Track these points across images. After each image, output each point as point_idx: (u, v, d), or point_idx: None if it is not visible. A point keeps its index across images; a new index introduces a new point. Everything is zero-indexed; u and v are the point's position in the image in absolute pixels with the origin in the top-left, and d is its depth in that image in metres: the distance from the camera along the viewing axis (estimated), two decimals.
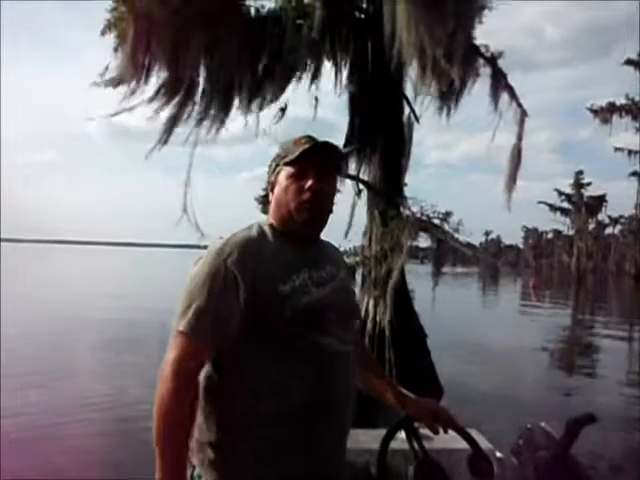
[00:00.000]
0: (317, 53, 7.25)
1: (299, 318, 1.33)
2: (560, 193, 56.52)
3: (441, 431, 1.65)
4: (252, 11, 7.74)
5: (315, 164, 1.44)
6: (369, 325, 7.93)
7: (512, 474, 1.73)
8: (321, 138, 1.47)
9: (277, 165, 1.48)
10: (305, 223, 1.44)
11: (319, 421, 1.36)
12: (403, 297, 8.04)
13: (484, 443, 1.90)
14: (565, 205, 56.91)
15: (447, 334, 11.87)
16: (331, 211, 1.53)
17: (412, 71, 7.34)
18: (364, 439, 1.96)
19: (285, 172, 1.45)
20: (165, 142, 7.13)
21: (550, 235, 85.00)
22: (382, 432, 1.70)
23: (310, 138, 1.48)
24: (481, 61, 8.51)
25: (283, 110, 7.63)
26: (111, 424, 6.12)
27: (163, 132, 7.03)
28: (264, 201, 1.37)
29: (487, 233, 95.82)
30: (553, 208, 56.55)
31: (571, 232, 61.48)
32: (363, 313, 8.06)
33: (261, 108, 7.48)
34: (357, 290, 8.46)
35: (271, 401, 1.33)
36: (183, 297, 1.33)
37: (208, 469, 1.36)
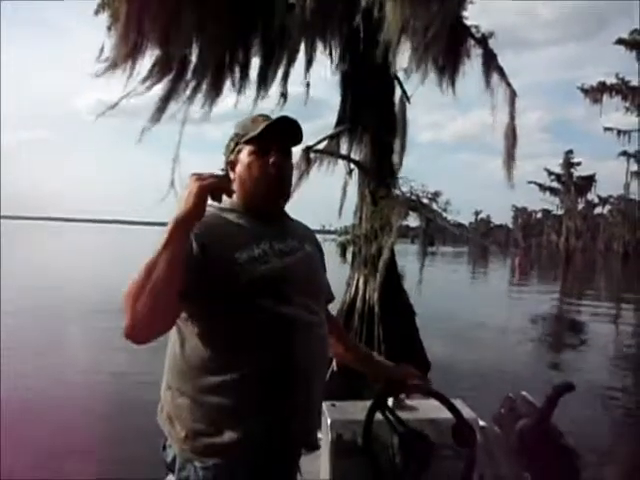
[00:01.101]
0: (309, 33, 7.25)
1: (256, 286, 1.34)
2: (550, 173, 56.70)
3: (429, 401, 1.73)
4: None
5: (277, 139, 1.45)
6: (359, 303, 8.06)
7: (495, 442, 1.81)
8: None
9: (237, 144, 1.49)
10: (271, 198, 1.48)
11: (282, 389, 1.36)
12: (393, 275, 8.17)
13: (467, 412, 1.90)
14: (555, 185, 57.17)
15: (436, 312, 12.08)
16: (291, 185, 1.56)
17: (400, 52, 7.35)
18: (351, 410, 1.95)
19: (247, 150, 1.46)
20: (157, 120, 7.16)
21: (539, 215, 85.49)
22: (368, 403, 1.73)
23: (267, 116, 1.51)
24: (472, 41, 8.55)
25: (284, 95, 7.65)
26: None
27: (155, 111, 7.05)
28: None
29: (477, 213, 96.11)
30: (543, 188, 56.75)
31: (560, 212, 61.88)
32: (353, 290, 8.20)
33: (261, 89, 7.49)
34: (347, 268, 8.61)
35: (232, 369, 1.33)
36: None
37: (174, 439, 1.39)
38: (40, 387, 6.36)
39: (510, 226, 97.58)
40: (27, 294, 14.12)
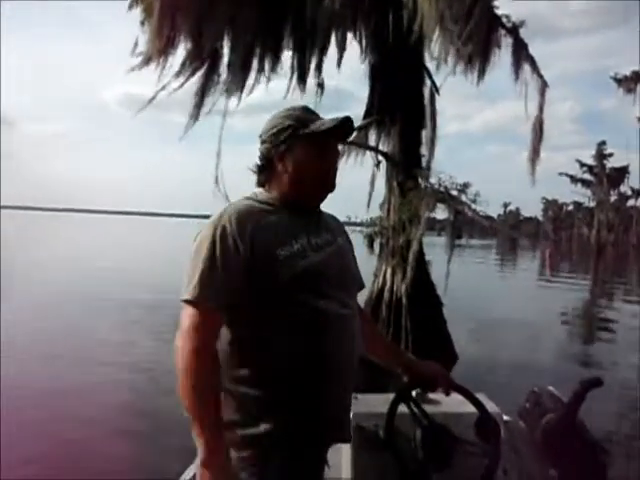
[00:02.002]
0: (340, 24, 7.28)
1: (297, 281, 1.35)
2: (582, 164, 55.52)
3: (452, 395, 1.68)
4: None
5: (337, 140, 1.49)
6: (386, 294, 8.11)
7: (519, 437, 1.81)
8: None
9: (290, 136, 1.44)
10: (323, 194, 1.50)
11: (317, 382, 1.37)
12: (420, 267, 8.19)
13: (491, 407, 1.87)
14: (587, 176, 55.94)
15: (463, 305, 12.03)
16: None
17: (433, 44, 7.31)
18: (373, 403, 1.93)
19: (305, 144, 1.44)
20: (197, 117, 7.32)
21: (570, 207, 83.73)
22: (391, 396, 1.72)
23: (310, 109, 1.52)
24: (502, 31, 8.46)
25: (321, 85, 7.71)
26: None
27: (193, 107, 7.19)
28: (267, 172, 1.24)
29: (506, 205, 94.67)
30: (574, 179, 55.62)
31: (592, 204, 60.55)
32: (380, 282, 8.25)
33: (302, 80, 7.56)
34: (375, 259, 8.66)
35: (268, 361, 1.36)
36: (187, 269, 1.34)
37: None
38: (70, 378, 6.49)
39: (540, 219, 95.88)
40: (55, 284, 14.49)
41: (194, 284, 1.30)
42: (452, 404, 1.78)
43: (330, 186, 1.50)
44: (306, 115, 1.47)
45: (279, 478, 1.36)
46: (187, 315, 1.30)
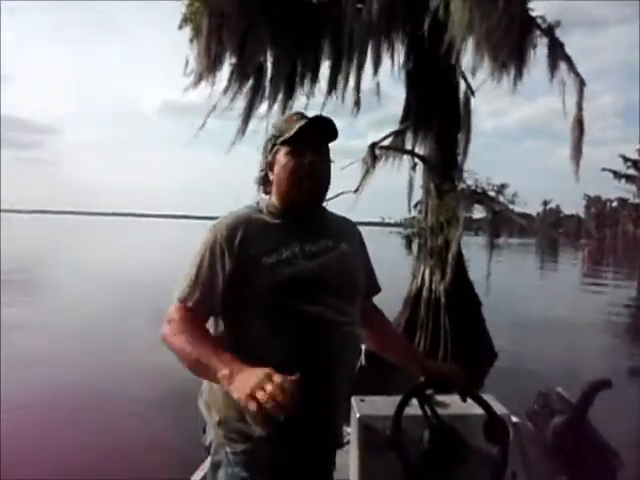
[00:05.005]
0: (377, 37, 7.51)
1: (283, 288, 1.38)
2: (626, 159, 53.90)
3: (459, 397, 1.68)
4: None
5: (310, 140, 1.47)
6: (425, 293, 8.27)
7: (528, 438, 1.80)
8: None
9: (274, 145, 1.51)
10: (306, 196, 1.48)
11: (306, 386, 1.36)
12: (458, 267, 8.32)
13: (499, 408, 1.85)
14: (631, 172, 54.27)
15: (502, 305, 12.02)
16: (329, 182, 1.56)
17: (467, 49, 7.45)
18: (380, 405, 1.92)
19: (283, 150, 1.49)
20: (244, 133, 7.78)
21: (614, 204, 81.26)
22: (398, 399, 1.71)
23: (302, 114, 1.54)
24: (537, 32, 8.50)
25: (357, 103, 7.93)
26: None
27: (241, 122, 7.65)
28: (264, 182, 1.40)
29: (545, 203, 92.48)
30: (618, 175, 54.07)
31: (637, 200, 58.66)
32: (419, 281, 8.43)
33: (331, 93, 7.84)
34: (413, 260, 8.85)
35: (256, 364, 1.32)
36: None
37: (210, 424, 1.49)
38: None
39: (582, 216, 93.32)
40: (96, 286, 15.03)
41: (184, 285, 1.43)
42: (461, 406, 1.75)
43: (310, 189, 1.48)
44: (286, 123, 1.52)
45: (271, 474, 1.42)
46: (171, 309, 1.43)
